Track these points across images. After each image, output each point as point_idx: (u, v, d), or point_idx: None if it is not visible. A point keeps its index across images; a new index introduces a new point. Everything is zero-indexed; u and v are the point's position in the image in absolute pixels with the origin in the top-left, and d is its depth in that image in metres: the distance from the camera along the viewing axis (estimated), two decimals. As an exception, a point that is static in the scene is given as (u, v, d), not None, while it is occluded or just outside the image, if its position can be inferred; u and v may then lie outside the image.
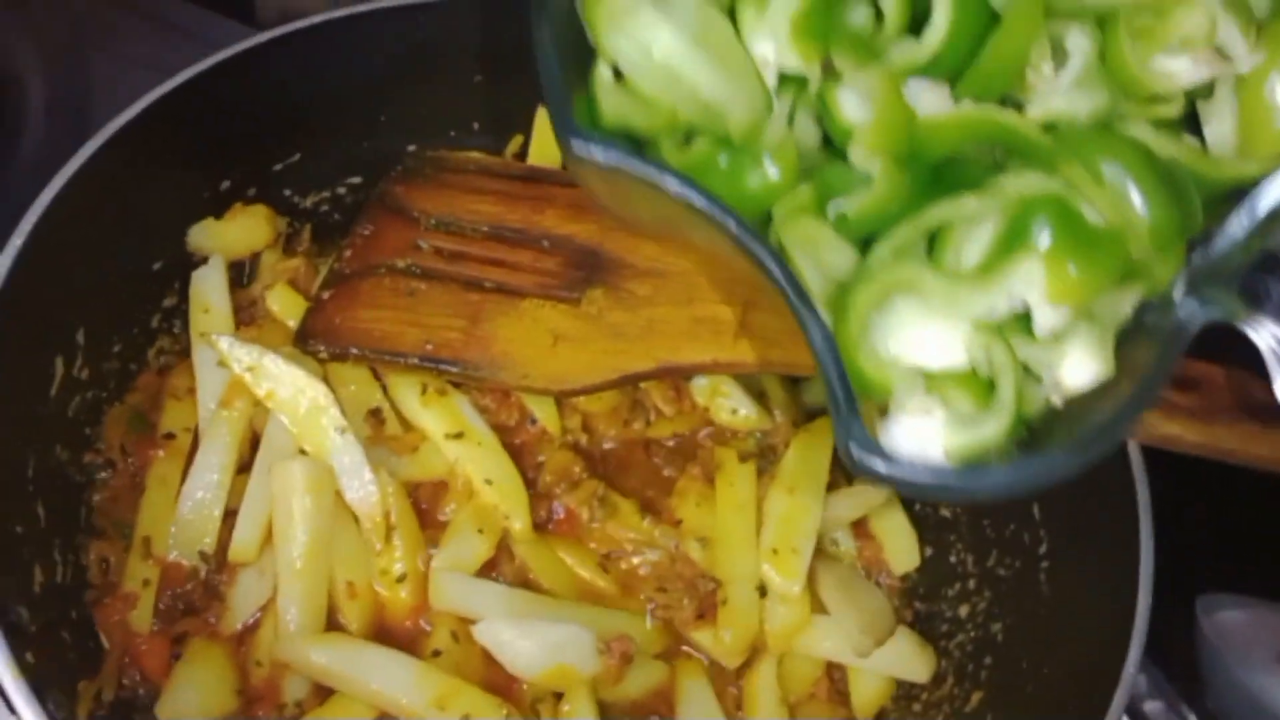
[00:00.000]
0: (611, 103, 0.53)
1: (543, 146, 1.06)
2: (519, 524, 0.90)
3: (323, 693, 0.82)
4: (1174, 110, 0.52)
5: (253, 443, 0.89)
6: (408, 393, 0.92)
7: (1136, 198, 0.49)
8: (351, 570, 0.85)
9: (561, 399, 0.96)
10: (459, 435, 0.91)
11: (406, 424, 0.92)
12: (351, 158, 1.04)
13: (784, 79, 0.53)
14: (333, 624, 0.85)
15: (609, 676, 0.84)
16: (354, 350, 0.89)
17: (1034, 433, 0.51)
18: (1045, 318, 0.50)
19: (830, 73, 0.51)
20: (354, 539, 0.86)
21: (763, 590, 0.91)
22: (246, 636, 0.84)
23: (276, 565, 0.84)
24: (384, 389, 0.93)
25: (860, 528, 0.98)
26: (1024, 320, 0.51)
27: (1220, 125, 0.53)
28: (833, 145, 0.54)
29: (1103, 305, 0.51)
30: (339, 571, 0.85)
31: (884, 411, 0.51)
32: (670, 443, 1.00)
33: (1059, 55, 0.52)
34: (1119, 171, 0.49)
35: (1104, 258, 0.49)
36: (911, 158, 0.51)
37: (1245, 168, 0.51)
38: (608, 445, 0.99)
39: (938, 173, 0.52)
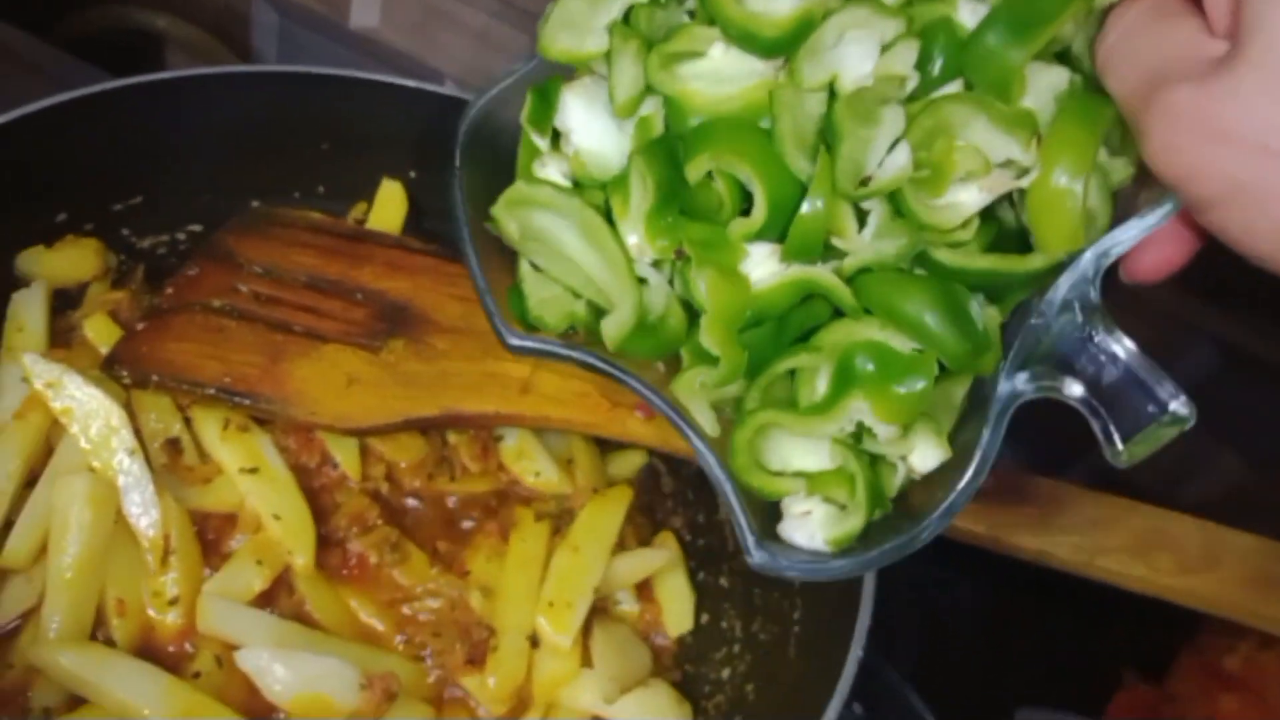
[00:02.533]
0: (534, 293, 0.69)
1: (381, 214, 1.12)
2: (301, 560, 0.92)
3: (74, 703, 0.83)
4: (969, 234, 0.61)
5: (46, 458, 0.91)
6: (209, 426, 0.95)
7: (936, 327, 0.60)
8: (124, 588, 0.87)
9: (366, 446, 1.00)
10: (253, 470, 0.94)
11: (205, 457, 0.95)
12: (194, 207, 1.08)
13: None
14: (100, 639, 0.86)
15: (369, 711, 0.86)
16: (155, 377, 0.92)
17: (906, 503, 0.64)
18: (883, 431, 0.62)
19: (685, 258, 0.63)
20: (131, 558, 0.88)
21: (535, 641, 0.93)
22: (4, 641, 0.85)
23: (47, 574, 0.85)
24: (187, 422, 0.96)
25: (645, 590, 1.02)
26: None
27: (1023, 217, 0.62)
28: None
29: (935, 402, 0.63)
30: (111, 588, 0.87)
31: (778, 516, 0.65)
32: (473, 499, 1.03)
33: (861, 215, 0.62)
34: (917, 308, 0.60)
35: (918, 380, 0.61)
36: (758, 317, 0.63)
37: (1038, 262, 0.60)
38: (409, 496, 1.03)
39: (786, 321, 0.64)
